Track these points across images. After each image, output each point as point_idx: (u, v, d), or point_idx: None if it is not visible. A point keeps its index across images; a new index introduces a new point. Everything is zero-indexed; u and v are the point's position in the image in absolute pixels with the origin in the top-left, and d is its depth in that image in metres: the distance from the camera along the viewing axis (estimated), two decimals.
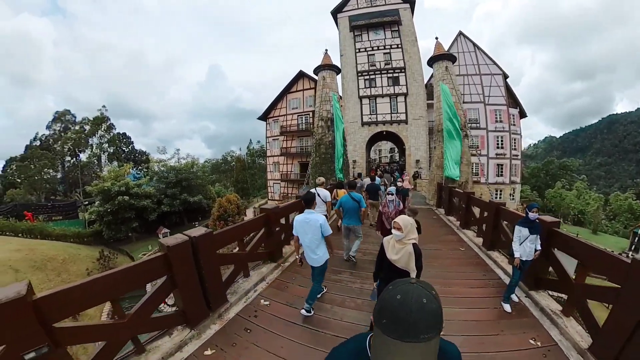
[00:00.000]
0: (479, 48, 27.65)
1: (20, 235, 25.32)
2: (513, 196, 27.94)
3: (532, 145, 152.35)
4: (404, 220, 2.99)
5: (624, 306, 2.71)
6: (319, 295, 4.34)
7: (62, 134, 51.31)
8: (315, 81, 27.43)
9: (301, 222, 3.76)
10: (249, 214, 30.36)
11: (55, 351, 2.32)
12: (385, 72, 25.67)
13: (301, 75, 30.26)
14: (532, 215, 3.82)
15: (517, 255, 3.90)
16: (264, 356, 2.98)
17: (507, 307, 3.99)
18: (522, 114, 29.03)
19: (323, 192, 6.59)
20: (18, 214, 33.27)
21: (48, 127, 51.87)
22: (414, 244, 2.92)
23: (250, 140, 63.70)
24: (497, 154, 27.23)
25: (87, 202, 39.62)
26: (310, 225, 3.69)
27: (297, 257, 4.04)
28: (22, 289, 2.19)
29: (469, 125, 25.39)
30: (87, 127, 52.31)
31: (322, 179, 7.51)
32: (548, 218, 4.24)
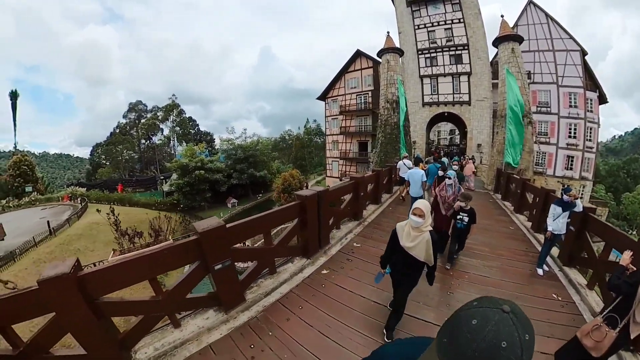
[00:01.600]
0: (552, 19, 23.96)
1: (113, 203, 30.62)
2: (582, 194, 23.70)
3: (616, 137, 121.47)
4: (426, 205, 2.83)
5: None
6: None
7: (137, 122, 60.58)
8: (373, 60, 27.64)
9: (413, 172, 7.90)
10: None
11: (231, 265, 3.28)
12: (447, 49, 24.24)
13: (358, 54, 30.29)
14: (566, 197, 4.81)
15: (550, 229, 4.93)
16: (365, 274, 4.58)
17: (540, 271, 5.07)
18: (602, 99, 24.80)
19: (408, 162, 10.16)
20: (108, 187, 41.57)
21: (124, 117, 61.44)
22: (430, 231, 2.79)
23: (307, 119, 66.16)
24: (568, 144, 23.99)
25: (162, 177, 47.14)
26: (418, 174, 7.71)
27: (401, 195, 9.70)
28: (220, 221, 3.11)
29: (538, 108, 23.57)
30: (160, 114, 60.89)
31: (406, 154, 11.70)
32: (584, 204, 5.10)
